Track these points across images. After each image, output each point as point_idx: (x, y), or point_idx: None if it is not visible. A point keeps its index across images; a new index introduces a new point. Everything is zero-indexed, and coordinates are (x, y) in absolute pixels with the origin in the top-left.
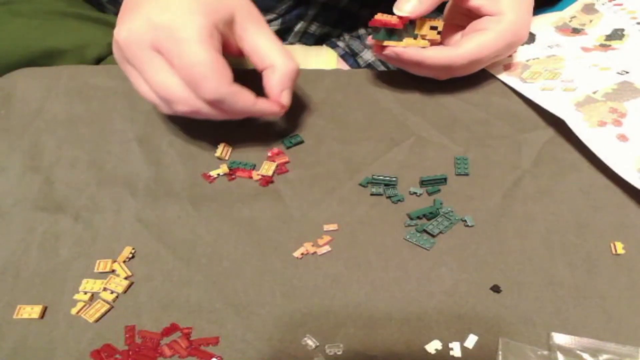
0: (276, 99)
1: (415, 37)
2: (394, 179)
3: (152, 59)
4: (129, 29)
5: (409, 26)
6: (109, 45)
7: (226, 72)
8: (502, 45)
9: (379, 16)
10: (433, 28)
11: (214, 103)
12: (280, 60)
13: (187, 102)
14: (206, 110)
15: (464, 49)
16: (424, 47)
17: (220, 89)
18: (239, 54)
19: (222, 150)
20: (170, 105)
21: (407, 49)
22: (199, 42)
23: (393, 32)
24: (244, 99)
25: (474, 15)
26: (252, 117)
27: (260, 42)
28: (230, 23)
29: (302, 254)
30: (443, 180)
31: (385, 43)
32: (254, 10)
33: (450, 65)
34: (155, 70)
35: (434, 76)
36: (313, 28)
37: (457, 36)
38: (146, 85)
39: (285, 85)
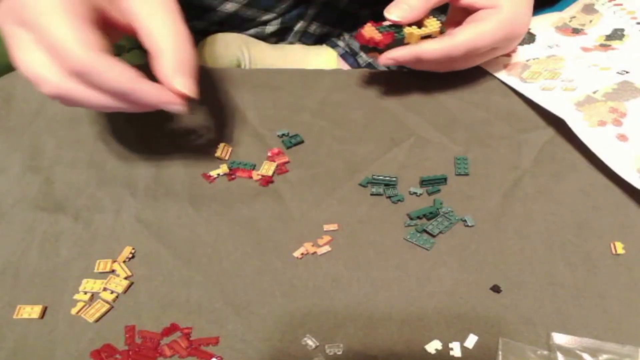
0: (169, 84)
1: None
2: (394, 179)
3: (19, 35)
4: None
5: (400, 36)
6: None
7: (93, 40)
8: (500, 35)
9: (366, 30)
10: (425, 37)
11: (81, 77)
12: (169, 43)
13: (52, 81)
14: (77, 92)
15: (460, 38)
16: (417, 44)
17: (82, 57)
18: (129, 29)
19: (222, 150)
20: (39, 87)
21: (402, 49)
22: (59, 8)
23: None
24: (118, 71)
25: (472, 13)
26: (156, 108)
27: (149, 21)
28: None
29: (302, 254)
30: (443, 180)
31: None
32: None
33: (448, 56)
34: (19, 47)
35: (435, 69)
36: (313, 28)
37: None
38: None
39: (178, 72)
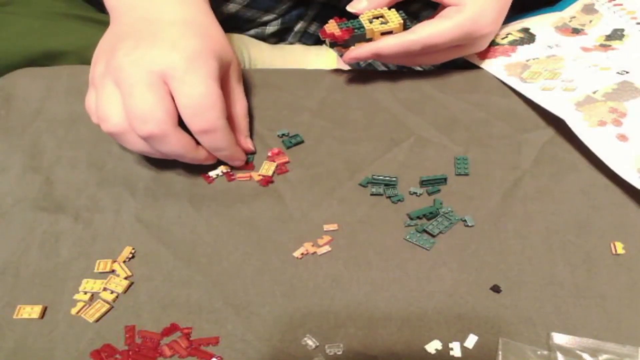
0: (242, 142)
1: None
2: (394, 179)
3: (156, 83)
4: (136, 55)
5: (360, 32)
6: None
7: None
8: (458, 34)
9: (327, 27)
10: (385, 33)
11: (205, 132)
12: (241, 111)
13: (116, 123)
14: (132, 137)
15: (417, 34)
16: (378, 39)
17: (218, 119)
18: None
19: None
20: (140, 123)
21: (362, 46)
22: (213, 79)
23: (347, 41)
24: (229, 136)
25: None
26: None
27: (235, 91)
28: (226, 70)
29: (302, 254)
30: (443, 180)
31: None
32: (239, 65)
33: (405, 51)
34: (150, 90)
35: (400, 64)
36: (313, 28)
37: None
38: (113, 105)
39: (245, 132)
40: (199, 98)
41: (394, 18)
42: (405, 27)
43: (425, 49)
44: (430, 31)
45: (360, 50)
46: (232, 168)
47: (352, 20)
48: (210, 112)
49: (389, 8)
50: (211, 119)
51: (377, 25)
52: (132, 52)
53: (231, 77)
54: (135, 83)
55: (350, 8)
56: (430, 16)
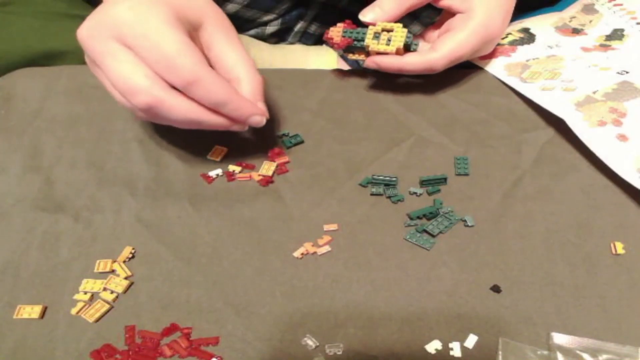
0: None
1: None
2: (394, 179)
3: (116, 51)
4: (89, 26)
5: (359, 44)
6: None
7: (200, 54)
8: (476, 41)
9: (332, 30)
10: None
11: (190, 87)
12: (246, 72)
13: (148, 91)
14: (171, 101)
15: (442, 52)
16: (402, 55)
17: (195, 67)
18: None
19: (214, 152)
20: (131, 97)
21: (388, 58)
22: (167, 25)
23: (348, 47)
24: (223, 82)
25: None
26: (223, 129)
27: (227, 52)
28: (198, 29)
29: (302, 254)
30: (443, 180)
31: (350, 57)
32: (226, 21)
33: (430, 69)
34: (118, 61)
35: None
36: (313, 28)
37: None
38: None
39: (257, 97)
40: (162, 48)
41: (396, 40)
42: (407, 50)
43: (451, 63)
44: (452, 46)
45: (384, 60)
46: (232, 168)
47: (358, 29)
48: (182, 60)
49: (401, 21)
50: (186, 67)
51: (375, 44)
52: (84, 24)
53: (212, 34)
54: (103, 59)
55: (362, 17)
56: (436, 22)
